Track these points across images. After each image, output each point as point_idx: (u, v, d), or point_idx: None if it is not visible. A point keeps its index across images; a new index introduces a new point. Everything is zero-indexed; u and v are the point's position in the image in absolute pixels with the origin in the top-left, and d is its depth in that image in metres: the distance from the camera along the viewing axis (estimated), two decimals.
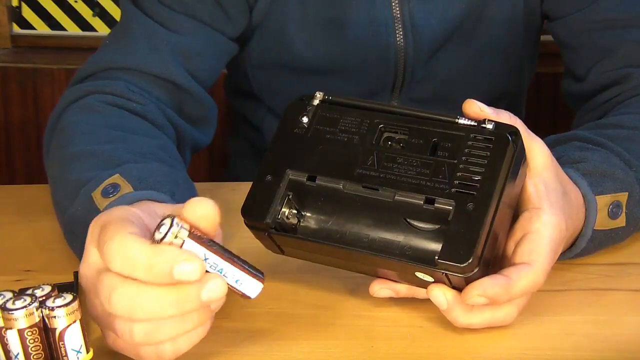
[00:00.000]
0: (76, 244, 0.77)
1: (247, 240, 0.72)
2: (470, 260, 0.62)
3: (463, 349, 0.68)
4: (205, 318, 0.61)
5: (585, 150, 0.81)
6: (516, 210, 0.70)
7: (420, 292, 0.69)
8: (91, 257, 0.62)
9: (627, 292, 0.75)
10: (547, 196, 0.69)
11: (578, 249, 0.76)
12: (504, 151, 0.65)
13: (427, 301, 0.69)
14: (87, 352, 0.63)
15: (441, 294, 0.66)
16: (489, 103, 0.69)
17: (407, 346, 0.68)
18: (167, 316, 0.59)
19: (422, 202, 0.65)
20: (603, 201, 0.76)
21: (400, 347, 0.68)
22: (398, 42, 1.03)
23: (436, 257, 0.63)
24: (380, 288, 0.69)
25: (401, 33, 1.03)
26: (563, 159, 0.75)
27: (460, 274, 0.63)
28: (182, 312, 0.59)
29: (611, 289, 0.75)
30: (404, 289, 0.70)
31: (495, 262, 0.67)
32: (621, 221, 0.78)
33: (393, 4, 1.02)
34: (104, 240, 0.59)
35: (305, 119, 0.70)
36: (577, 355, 0.67)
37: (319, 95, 0.71)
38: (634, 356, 0.67)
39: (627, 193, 0.78)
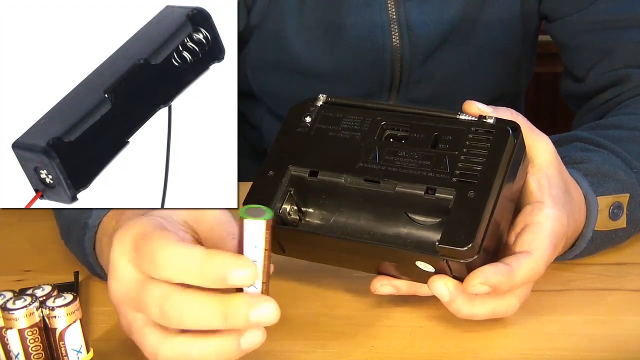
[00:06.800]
0: (72, 244, 0.77)
1: None
2: (470, 245, 0.62)
3: (463, 349, 0.68)
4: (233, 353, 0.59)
5: (586, 151, 0.81)
6: (518, 206, 0.70)
7: (421, 289, 0.69)
8: (124, 270, 0.60)
9: (627, 292, 0.75)
10: (550, 191, 0.69)
11: (578, 249, 0.76)
12: (505, 142, 0.65)
13: (427, 301, 0.70)
14: (88, 352, 0.63)
15: (443, 285, 0.65)
16: (487, 103, 0.69)
17: (407, 346, 0.68)
18: (213, 327, 0.57)
19: (423, 193, 0.65)
20: (604, 202, 0.76)
21: (400, 347, 0.68)
22: (394, 44, 1.03)
23: (437, 243, 0.63)
24: (382, 285, 0.69)
25: (397, 34, 1.03)
26: (565, 160, 0.75)
27: (461, 258, 0.63)
28: (228, 326, 0.57)
29: (611, 289, 0.75)
30: (405, 286, 0.69)
31: (496, 254, 0.68)
32: (622, 222, 0.78)
33: (389, 5, 1.02)
34: (152, 249, 0.58)
35: (308, 119, 0.71)
36: (577, 355, 0.67)
37: (322, 98, 0.72)
38: (634, 356, 0.67)
39: (628, 194, 0.78)
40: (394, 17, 1.02)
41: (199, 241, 0.63)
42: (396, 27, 1.03)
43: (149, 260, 0.58)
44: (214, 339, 0.58)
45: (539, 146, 0.70)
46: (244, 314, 0.57)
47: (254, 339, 0.58)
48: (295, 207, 0.70)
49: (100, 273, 0.74)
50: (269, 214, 0.56)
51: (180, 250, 0.57)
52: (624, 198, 0.77)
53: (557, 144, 0.83)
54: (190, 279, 0.57)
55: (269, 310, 0.57)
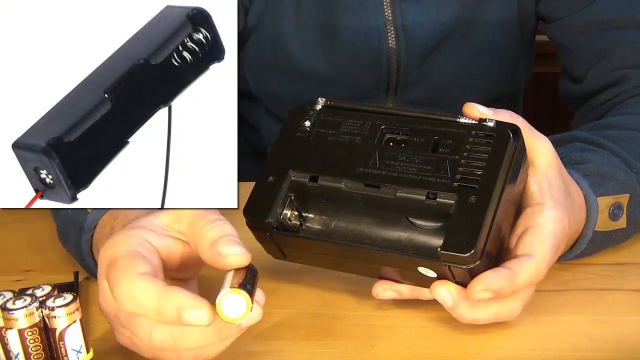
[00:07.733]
0: (69, 246, 0.77)
1: (247, 242, 0.71)
2: (473, 251, 0.62)
3: (463, 349, 0.68)
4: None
5: (586, 151, 0.81)
6: (519, 208, 0.70)
7: (423, 293, 0.69)
8: (107, 292, 0.62)
9: (627, 292, 0.75)
10: (550, 193, 0.69)
11: (578, 250, 0.76)
12: (505, 146, 0.65)
13: (428, 301, 0.69)
14: (87, 352, 0.63)
15: (445, 291, 0.65)
16: (485, 104, 0.69)
17: (407, 346, 0.68)
18: (210, 343, 0.61)
19: (424, 198, 0.65)
20: (604, 202, 0.76)
21: (400, 347, 0.68)
22: (390, 46, 1.04)
23: (439, 249, 0.63)
24: (384, 289, 0.69)
25: (393, 36, 1.03)
26: (565, 160, 0.75)
27: (463, 264, 0.63)
28: (224, 339, 0.61)
29: (611, 289, 0.75)
30: (407, 291, 0.69)
31: (498, 257, 0.68)
32: (622, 223, 0.78)
33: (385, 7, 1.02)
34: (113, 281, 0.60)
35: (307, 123, 0.71)
36: (577, 355, 0.67)
37: (321, 101, 0.72)
38: (634, 356, 0.67)
39: (628, 195, 0.78)
40: (390, 18, 1.03)
41: (185, 240, 0.65)
42: (392, 28, 1.03)
43: (112, 292, 0.60)
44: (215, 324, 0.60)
45: (539, 148, 0.69)
46: (235, 325, 0.60)
47: (252, 317, 0.60)
48: (296, 213, 0.69)
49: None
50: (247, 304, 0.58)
51: (139, 286, 0.59)
52: (624, 198, 0.77)
53: (556, 144, 0.83)
54: (148, 315, 0.59)
55: (255, 313, 0.60)
